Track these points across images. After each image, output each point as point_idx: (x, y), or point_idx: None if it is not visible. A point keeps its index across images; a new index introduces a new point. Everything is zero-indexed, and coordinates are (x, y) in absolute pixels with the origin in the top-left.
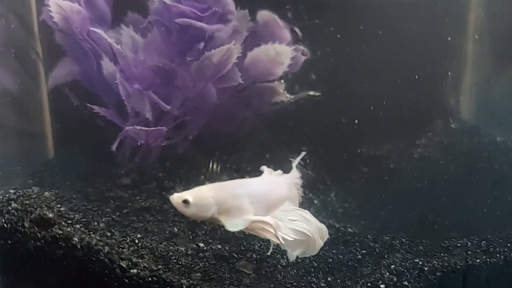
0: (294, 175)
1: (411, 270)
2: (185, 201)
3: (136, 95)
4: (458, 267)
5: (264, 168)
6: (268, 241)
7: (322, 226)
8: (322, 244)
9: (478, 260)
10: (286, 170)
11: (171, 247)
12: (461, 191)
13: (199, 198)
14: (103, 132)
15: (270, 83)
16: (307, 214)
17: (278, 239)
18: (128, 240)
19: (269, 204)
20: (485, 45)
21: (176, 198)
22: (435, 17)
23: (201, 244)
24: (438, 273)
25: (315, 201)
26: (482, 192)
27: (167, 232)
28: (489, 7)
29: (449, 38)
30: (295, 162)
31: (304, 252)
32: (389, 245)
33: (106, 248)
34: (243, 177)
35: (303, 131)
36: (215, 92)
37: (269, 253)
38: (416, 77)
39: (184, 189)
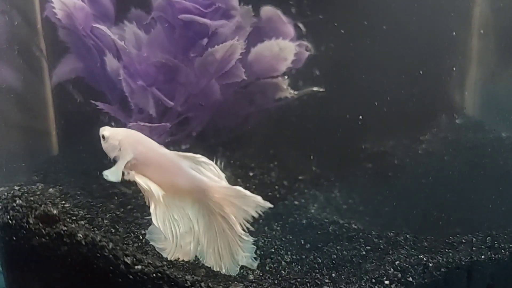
0: (205, 181)
1: (416, 266)
2: (103, 135)
3: (140, 92)
4: (463, 263)
5: (210, 163)
6: (272, 237)
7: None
8: (175, 256)
9: (483, 256)
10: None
11: None
12: (465, 187)
13: (111, 136)
14: None
15: (273, 79)
16: (193, 224)
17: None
18: (132, 236)
19: (163, 181)
20: (490, 40)
21: (102, 130)
22: (440, 12)
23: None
24: (442, 269)
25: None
26: (486, 188)
27: None
28: (494, 2)
29: (454, 33)
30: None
31: (161, 249)
32: (393, 241)
33: (111, 244)
34: (246, 174)
35: (307, 127)
36: (219, 88)
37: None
38: (421, 72)
39: None
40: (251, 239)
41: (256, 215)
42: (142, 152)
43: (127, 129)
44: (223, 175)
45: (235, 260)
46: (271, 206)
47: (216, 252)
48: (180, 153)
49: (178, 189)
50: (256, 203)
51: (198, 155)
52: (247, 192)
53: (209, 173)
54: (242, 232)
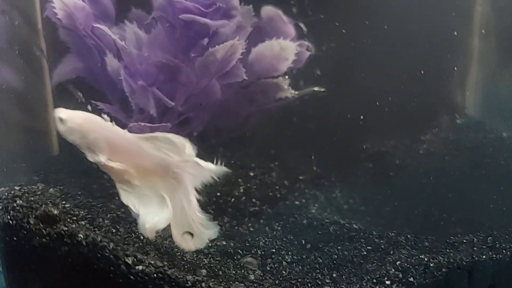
0: (166, 159)
1: (417, 267)
2: (60, 118)
3: (140, 92)
4: (464, 263)
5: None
6: (273, 237)
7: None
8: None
9: (484, 256)
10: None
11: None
12: (466, 187)
13: (69, 119)
14: None
15: (274, 79)
16: (164, 201)
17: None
18: (133, 237)
19: (128, 164)
20: (491, 40)
21: (58, 111)
22: (441, 11)
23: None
24: (443, 269)
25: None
26: (487, 188)
27: None
28: (495, 1)
29: (455, 33)
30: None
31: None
32: (394, 242)
33: (111, 245)
34: (247, 174)
35: (308, 127)
36: (219, 88)
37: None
38: (422, 72)
39: None
40: (206, 215)
41: (213, 182)
42: (105, 136)
43: (85, 112)
44: (190, 146)
45: (200, 237)
46: (228, 170)
47: (182, 228)
48: (142, 135)
49: (144, 170)
50: (210, 170)
51: (159, 134)
52: (202, 161)
53: (171, 149)
54: (198, 208)
